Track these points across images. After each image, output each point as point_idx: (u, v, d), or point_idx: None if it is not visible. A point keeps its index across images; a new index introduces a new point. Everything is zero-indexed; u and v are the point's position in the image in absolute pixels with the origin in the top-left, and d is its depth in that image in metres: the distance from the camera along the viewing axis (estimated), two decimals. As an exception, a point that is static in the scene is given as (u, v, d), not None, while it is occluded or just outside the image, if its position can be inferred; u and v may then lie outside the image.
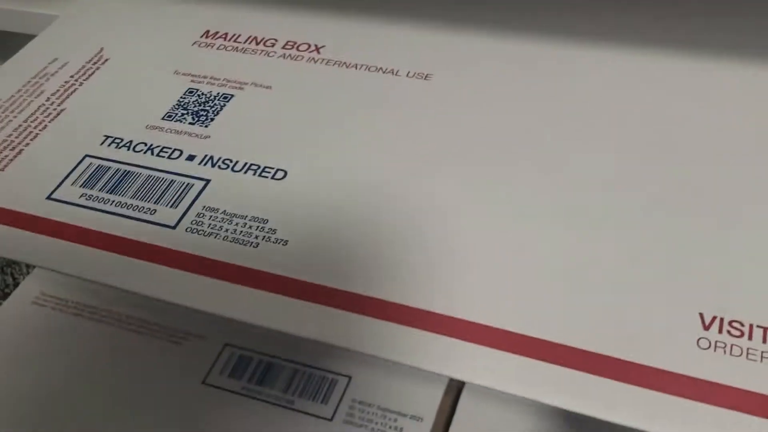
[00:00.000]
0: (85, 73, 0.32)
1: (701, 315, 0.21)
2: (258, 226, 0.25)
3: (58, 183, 0.27)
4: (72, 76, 0.32)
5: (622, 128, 0.26)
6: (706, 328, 0.21)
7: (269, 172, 0.26)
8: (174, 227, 0.25)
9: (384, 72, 0.30)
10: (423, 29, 0.31)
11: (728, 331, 0.20)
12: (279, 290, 0.23)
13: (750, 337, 0.20)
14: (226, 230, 0.25)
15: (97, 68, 0.32)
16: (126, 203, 0.26)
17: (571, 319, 0.21)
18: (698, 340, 0.20)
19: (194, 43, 0.32)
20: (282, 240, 0.24)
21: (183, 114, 0.29)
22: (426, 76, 0.29)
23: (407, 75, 0.30)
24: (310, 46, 0.32)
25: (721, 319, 0.21)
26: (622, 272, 0.22)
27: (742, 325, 0.21)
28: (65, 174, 0.27)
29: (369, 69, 0.30)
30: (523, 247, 0.23)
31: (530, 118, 0.27)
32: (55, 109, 0.30)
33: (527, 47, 0.30)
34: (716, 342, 0.20)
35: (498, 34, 0.31)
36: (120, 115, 0.29)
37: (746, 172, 0.24)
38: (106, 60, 0.32)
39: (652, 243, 0.23)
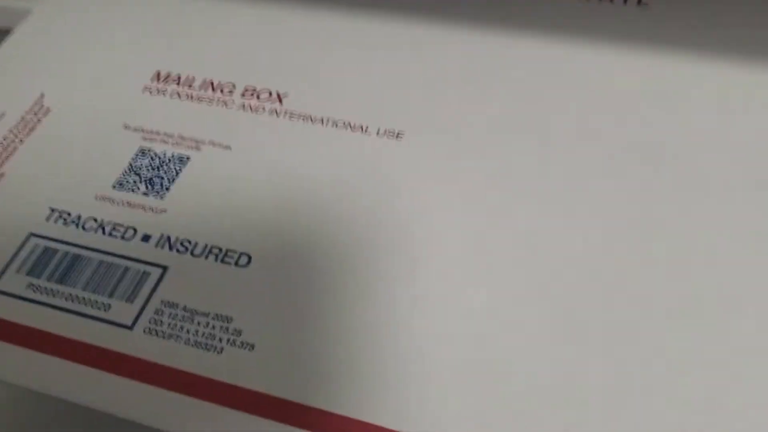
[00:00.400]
0: (25, 127, 0.29)
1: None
2: (222, 326, 0.23)
3: (1, 270, 0.25)
4: (11, 131, 0.29)
5: (605, 205, 0.25)
6: None
7: (232, 258, 0.25)
8: (131, 327, 0.23)
9: (353, 129, 0.28)
10: (393, 82, 0.29)
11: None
12: (250, 409, 0.21)
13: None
14: (188, 331, 0.23)
15: (38, 120, 0.29)
16: (77, 296, 0.24)
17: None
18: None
19: (144, 89, 0.30)
20: (248, 344, 0.23)
21: (135, 182, 0.27)
22: (397, 135, 0.27)
23: (377, 133, 0.28)
24: (271, 94, 0.29)
25: None
26: (609, 390, 0.21)
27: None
28: (8, 258, 0.25)
29: (336, 125, 0.28)
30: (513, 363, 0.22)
31: (511, 183, 0.25)
32: (-7, 174, 0.28)
33: (508, 103, 0.28)
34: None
35: (474, 86, 0.29)
36: (66, 182, 0.27)
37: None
38: (48, 110, 0.29)
39: (642, 362, 0.22)
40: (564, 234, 0.24)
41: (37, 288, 0.24)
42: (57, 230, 0.26)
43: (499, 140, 0.27)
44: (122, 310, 0.24)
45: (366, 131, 0.28)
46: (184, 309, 0.24)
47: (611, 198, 0.25)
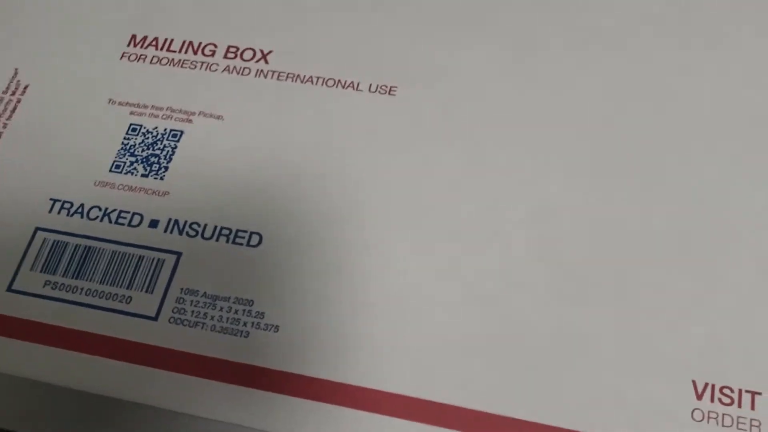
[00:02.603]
0: (5, 110, 0.28)
1: (694, 383, 0.22)
2: (244, 310, 0.24)
3: (14, 269, 0.25)
4: (-8, 115, 0.28)
5: (605, 153, 0.25)
6: (699, 397, 0.22)
7: (243, 238, 0.25)
8: (155, 318, 0.24)
9: (344, 86, 0.27)
10: (379, 32, 0.28)
11: (719, 399, 0.22)
12: (284, 390, 0.23)
13: (739, 405, 0.21)
14: (212, 318, 0.24)
15: (18, 101, 0.28)
16: (96, 290, 0.25)
17: (555, 397, 0.22)
18: (693, 411, 0.22)
19: (123, 55, 0.29)
20: (272, 326, 0.24)
21: (132, 163, 0.27)
22: (390, 90, 0.27)
23: (369, 89, 0.27)
24: (255, 53, 0.28)
25: (713, 386, 0.22)
26: (609, 344, 0.23)
27: (732, 391, 0.22)
28: (20, 256, 0.25)
29: (326, 83, 0.28)
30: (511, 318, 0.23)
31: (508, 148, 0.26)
32: (-15, 166, 0.27)
33: (504, 53, 0.28)
34: (709, 413, 0.22)
35: (474, 38, 0.28)
36: (62, 170, 0.27)
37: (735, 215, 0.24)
38: (26, 87, 0.29)
39: (640, 309, 0.23)
40: (564, 185, 0.25)
41: (54, 285, 0.25)
42: (62, 222, 0.26)
43: (494, 87, 0.27)
44: (144, 301, 0.24)
45: (357, 88, 0.27)
46: (205, 295, 0.24)
47: (608, 141, 0.25)
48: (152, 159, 0.27)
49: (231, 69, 0.28)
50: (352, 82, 0.27)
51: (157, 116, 0.28)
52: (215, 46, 0.29)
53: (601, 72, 0.27)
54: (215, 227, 0.25)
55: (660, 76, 0.26)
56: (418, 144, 0.26)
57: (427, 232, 0.25)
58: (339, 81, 0.28)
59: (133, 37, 0.29)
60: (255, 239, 0.25)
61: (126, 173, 0.27)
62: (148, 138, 0.27)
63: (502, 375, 0.22)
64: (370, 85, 0.27)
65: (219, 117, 0.27)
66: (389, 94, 0.27)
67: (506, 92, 0.27)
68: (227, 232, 0.25)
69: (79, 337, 0.24)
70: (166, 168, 0.26)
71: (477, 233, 0.24)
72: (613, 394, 0.22)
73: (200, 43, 0.29)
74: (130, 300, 0.24)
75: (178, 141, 0.27)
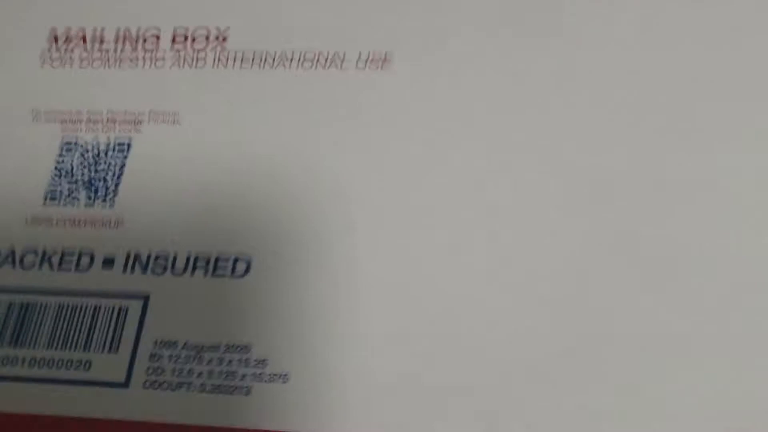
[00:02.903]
0: None
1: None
2: (240, 359, 0.18)
3: (-66, 344, 0.19)
4: None
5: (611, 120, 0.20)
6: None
7: (225, 267, 0.20)
8: (126, 384, 0.18)
9: (325, 62, 0.22)
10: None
11: None
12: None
13: None
14: (199, 374, 0.18)
15: None
16: (42, 358, 0.19)
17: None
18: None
19: (41, 59, 0.23)
20: (279, 375, 0.18)
21: (72, 189, 0.21)
22: (383, 62, 0.22)
23: (357, 63, 0.22)
24: (209, 33, 0.23)
25: None
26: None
27: None
28: (-61, 326, 0.20)
29: (303, 62, 0.22)
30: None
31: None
32: None
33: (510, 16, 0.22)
34: None
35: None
36: (-19, 210, 0.21)
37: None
38: (-74, 113, 0.23)
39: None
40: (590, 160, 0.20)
41: (-12, 359, 0.19)
42: (-11, 276, 0.20)
43: (498, 52, 0.21)
44: (108, 364, 0.19)
45: (342, 62, 0.22)
46: (186, 347, 0.19)
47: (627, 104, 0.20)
48: (96, 182, 0.21)
49: (181, 60, 0.23)
50: (336, 54, 0.22)
51: (96, 127, 0.22)
52: (158, 30, 0.23)
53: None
54: (188, 257, 0.20)
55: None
56: (417, 123, 0.21)
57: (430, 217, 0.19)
58: (319, 55, 0.22)
59: (54, 33, 0.23)
60: (241, 267, 0.20)
61: (65, 204, 0.21)
62: (87, 156, 0.21)
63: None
64: (359, 55, 0.22)
65: (173, 120, 0.22)
66: (381, 68, 0.22)
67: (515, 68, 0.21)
68: (204, 262, 0.20)
69: (28, 423, 0.18)
70: (115, 191, 0.21)
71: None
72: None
73: (139, 30, 0.23)
74: (89, 365, 0.19)
75: (125, 155, 0.21)
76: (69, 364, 0.19)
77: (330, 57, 0.22)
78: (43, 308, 0.19)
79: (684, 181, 0.19)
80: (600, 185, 0.19)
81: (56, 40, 0.23)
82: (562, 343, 0.18)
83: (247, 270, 0.19)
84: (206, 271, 0.20)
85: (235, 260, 0.20)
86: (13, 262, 0.20)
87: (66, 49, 0.23)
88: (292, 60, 0.22)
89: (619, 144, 0.20)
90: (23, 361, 0.19)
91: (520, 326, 0.18)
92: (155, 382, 0.18)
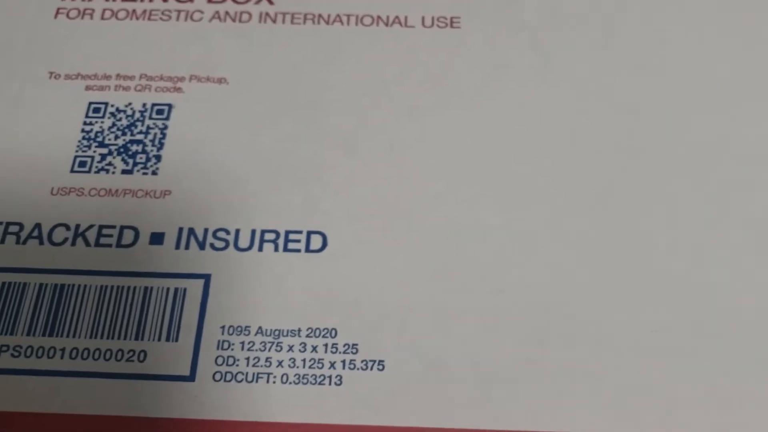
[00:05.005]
0: None
1: None
2: (327, 345, 0.16)
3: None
4: None
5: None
6: None
7: (298, 241, 0.17)
8: (191, 377, 0.16)
9: (387, 24, 0.20)
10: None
11: None
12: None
13: None
14: (279, 363, 0.16)
15: None
16: (87, 349, 0.16)
17: None
18: None
19: (57, 11, 0.20)
20: (373, 362, 0.16)
21: (104, 156, 0.18)
22: (451, 22, 0.20)
23: (423, 25, 0.20)
24: (251, -10, 0.21)
25: None
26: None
27: None
28: (-47, 314, 0.16)
29: (363, 20, 0.20)
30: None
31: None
32: None
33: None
34: None
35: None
36: (2, 176, 0.18)
37: None
38: None
39: None
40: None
41: (17, 349, 0.16)
42: (13, 254, 0.17)
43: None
44: (167, 355, 0.16)
45: (406, 24, 0.20)
46: (262, 332, 0.16)
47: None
48: (133, 147, 0.18)
49: (222, 16, 0.20)
50: (397, 17, 0.20)
51: (128, 87, 0.19)
52: (192, -16, 0.20)
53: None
54: (252, 231, 0.17)
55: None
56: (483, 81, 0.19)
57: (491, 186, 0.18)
58: (379, 17, 0.20)
59: (66, -15, 0.20)
60: (317, 241, 0.17)
61: (98, 171, 0.18)
62: (119, 118, 0.19)
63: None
64: (423, 17, 0.20)
65: (220, 80, 0.19)
66: (451, 26, 0.20)
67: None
68: (273, 236, 0.17)
69: (70, 423, 0.15)
70: (158, 157, 0.18)
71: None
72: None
73: (170, -18, 0.20)
74: (144, 356, 0.16)
75: (167, 118, 0.19)
76: (119, 355, 0.16)
77: (393, 18, 0.20)
78: (82, 290, 0.16)
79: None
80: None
81: (71, -11, 0.20)
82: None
83: (324, 244, 0.17)
84: (276, 246, 0.17)
85: (309, 234, 0.17)
86: (40, 237, 0.17)
87: (84, -1, 0.20)
88: (349, 22, 0.20)
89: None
90: (62, 352, 0.16)
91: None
92: (227, 373, 0.16)
